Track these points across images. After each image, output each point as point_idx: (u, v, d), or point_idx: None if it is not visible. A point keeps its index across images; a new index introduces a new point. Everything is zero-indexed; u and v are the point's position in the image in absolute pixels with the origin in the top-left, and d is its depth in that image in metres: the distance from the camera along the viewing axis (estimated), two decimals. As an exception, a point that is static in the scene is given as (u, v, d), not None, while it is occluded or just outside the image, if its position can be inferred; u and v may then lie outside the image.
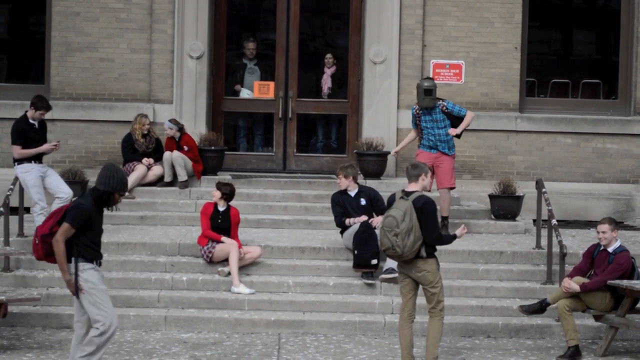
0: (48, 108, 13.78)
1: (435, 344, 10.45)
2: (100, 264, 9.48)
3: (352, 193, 13.62)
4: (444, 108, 14.39)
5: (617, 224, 11.79)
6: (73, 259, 9.32)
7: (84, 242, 9.31)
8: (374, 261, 12.95)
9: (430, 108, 14.33)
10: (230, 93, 17.47)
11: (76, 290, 9.30)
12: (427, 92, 14.29)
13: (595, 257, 11.68)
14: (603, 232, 11.53)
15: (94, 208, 9.35)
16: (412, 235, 10.16)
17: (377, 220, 13.12)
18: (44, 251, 9.44)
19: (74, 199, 12.85)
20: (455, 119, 14.45)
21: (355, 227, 13.17)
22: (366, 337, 12.18)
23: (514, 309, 12.43)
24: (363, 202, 13.53)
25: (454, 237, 10.59)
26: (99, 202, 9.41)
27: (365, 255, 12.89)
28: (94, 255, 9.40)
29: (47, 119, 14.40)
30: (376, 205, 13.54)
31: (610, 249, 11.58)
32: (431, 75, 16.86)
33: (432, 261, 10.40)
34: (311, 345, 11.75)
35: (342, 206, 13.48)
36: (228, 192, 13.45)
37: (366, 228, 13.04)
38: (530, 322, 12.33)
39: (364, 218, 13.29)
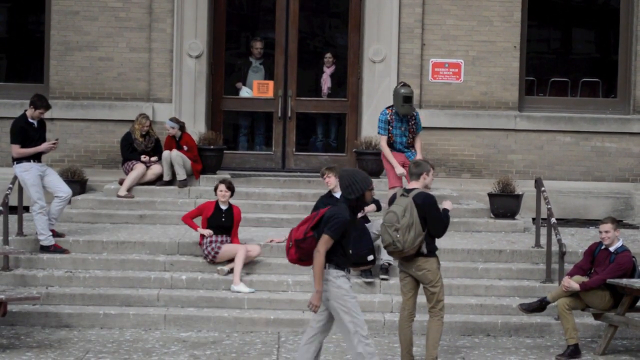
0: (47, 107, 13.78)
1: (434, 344, 10.45)
2: (349, 272, 9.43)
3: (338, 194, 13.49)
4: (413, 118, 14.00)
5: (619, 224, 11.78)
6: (327, 265, 9.25)
7: (338, 250, 9.25)
8: (370, 257, 12.94)
9: (406, 115, 13.88)
10: (229, 92, 17.47)
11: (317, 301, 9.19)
12: (406, 100, 13.71)
13: (596, 255, 11.68)
14: (606, 232, 11.53)
15: (350, 217, 9.31)
16: (413, 231, 10.17)
17: (368, 210, 13.13)
18: (298, 256, 9.33)
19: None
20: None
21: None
22: (366, 335, 12.16)
23: (514, 307, 12.43)
24: None
25: (446, 211, 10.54)
26: (354, 209, 9.39)
27: (361, 252, 12.87)
28: (345, 263, 9.34)
29: (46, 118, 14.39)
30: None
31: (612, 248, 11.57)
32: (430, 75, 16.89)
33: (433, 260, 10.40)
34: (311, 344, 11.74)
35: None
36: (233, 188, 13.47)
37: (363, 225, 13.04)
38: (530, 321, 12.33)
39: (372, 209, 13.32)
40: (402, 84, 14.04)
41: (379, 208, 13.43)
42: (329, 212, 9.27)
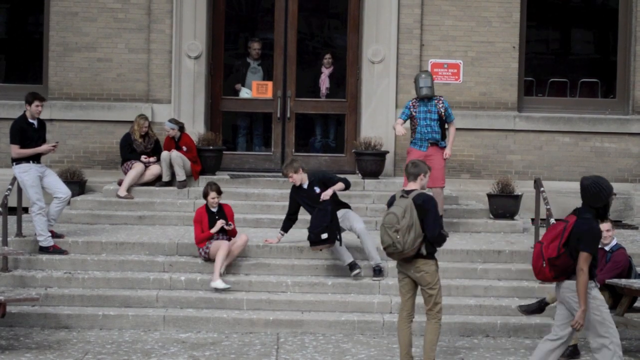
0: (42, 99, 13.77)
1: (432, 347, 10.44)
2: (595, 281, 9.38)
3: (305, 185, 13.53)
4: (440, 102, 14.31)
5: (618, 224, 11.81)
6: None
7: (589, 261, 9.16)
8: (324, 235, 12.92)
9: (428, 99, 14.23)
10: (228, 93, 17.47)
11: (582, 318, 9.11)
12: (425, 82, 14.22)
13: (592, 255, 11.69)
14: (607, 231, 11.56)
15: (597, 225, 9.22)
16: (413, 232, 10.16)
17: (336, 188, 13.24)
18: (553, 274, 9.26)
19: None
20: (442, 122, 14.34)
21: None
22: (365, 336, 12.17)
23: (513, 308, 12.43)
24: (317, 190, 13.44)
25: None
26: (600, 216, 9.29)
27: (315, 231, 12.89)
28: (594, 273, 9.29)
29: (45, 119, 14.40)
30: (330, 183, 13.46)
31: (607, 247, 11.61)
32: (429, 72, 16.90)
33: (432, 262, 10.39)
34: (310, 344, 11.75)
35: (296, 203, 13.50)
36: (219, 189, 13.35)
37: (324, 205, 13.11)
38: (529, 322, 12.33)
39: (330, 193, 13.29)
40: (422, 70, 14.84)
41: (347, 186, 13.45)
42: (580, 227, 9.10)
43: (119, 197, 15.39)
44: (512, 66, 16.97)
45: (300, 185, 13.44)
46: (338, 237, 12.98)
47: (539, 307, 11.71)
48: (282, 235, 13.59)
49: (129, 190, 15.53)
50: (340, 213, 13.30)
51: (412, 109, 14.29)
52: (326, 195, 13.22)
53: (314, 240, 12.97)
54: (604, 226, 11.62)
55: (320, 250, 13.16)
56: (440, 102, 14.32)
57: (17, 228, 13.84)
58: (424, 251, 10.29)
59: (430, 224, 10.22)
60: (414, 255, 10.29)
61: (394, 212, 10.25)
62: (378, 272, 13.12)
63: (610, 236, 11.60)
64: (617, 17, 17.42)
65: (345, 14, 17.46)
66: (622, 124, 17.08)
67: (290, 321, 12.34)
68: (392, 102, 16.76)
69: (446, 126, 14.39)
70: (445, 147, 14.31)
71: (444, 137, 14.32)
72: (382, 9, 16.77)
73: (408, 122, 14.41)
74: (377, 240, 11.94)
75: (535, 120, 17.02)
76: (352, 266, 13.11)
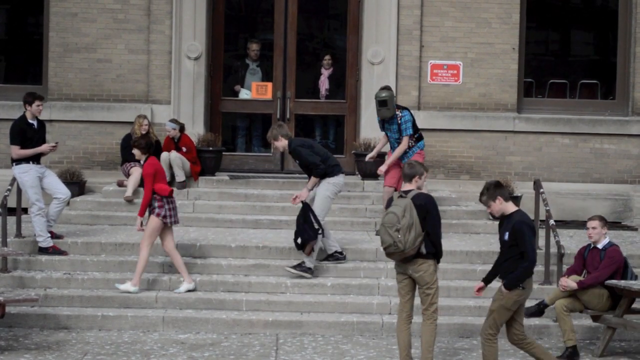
0: (41, 98, 13.79)
1: (429, 347, 10.43)
2: None
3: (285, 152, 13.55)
4: (399, 119, 14.25)
5: (607, 223, 11.82)
6: None
7: None
8: (298, 240, 12.99)
9: (388, 118, 14.26)
10: (228, 94, 17.48)
11: None
12: (382, 104, 14.16)
13: (586, 257, 11.73)
14: (593, 228, 11.62)
15: None
16: (413, 231, 10.18)
17: (300, 197, 13.18)
18: None
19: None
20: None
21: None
22: (364, 337, 12.17)
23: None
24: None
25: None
26: None
27: (295, 237, 13.03)
28: None
29: (45, 120, 14.40)
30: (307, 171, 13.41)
31: (599, 246, 11.63)
32: (429, 76, 16.89)
33: (431, 262, 10.40)
34: (309, 345, 11.75)
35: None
36: (143, 145, 12.93)
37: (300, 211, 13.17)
38: (528, 323, 12.32)
39: (304, 194, 13.26)
40: (382, 87, 14.47)
41: (318, 175, 13.26)
42: None
43: (128, 200, 15.34)
44: (511, 67, 16.97)
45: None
46: (320, 231, 13.00)
47: (538, 310, 11.71)
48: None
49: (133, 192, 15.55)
50: (312, 193, 13.28)
51: (381, 125, 14.44)
52: (300, 198, 13.20)
53: (297, 247, 13.05)
54: (590, 223, 11.69)
55: (312, 250, 13.15)
56: (399, 117, 14.21)
57: (17, 229, 13.83)
58: (423, 250, 10.30)
59: (433, 225, 10.25)
60: (415, 254, 10.30)
61: (393, 212, 10.26)
62: (304, 269, 13.13)
63: (596, 234, 11.62)
64: (616, 19, 17.42)
65: (344, 15, 17.46)
66: (621, 125, 17.08)
67: (290, 322, 12.34)
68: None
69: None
70: (417, 149, 14.30)
71: (419, 139, 14.33)
72: (381, 10, 16.77)
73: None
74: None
75: (535, 122, 17.02)
76: (334, 256, 13.25)
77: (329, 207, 13.31)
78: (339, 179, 13.34)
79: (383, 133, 14.58)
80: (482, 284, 10.30)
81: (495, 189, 10.01)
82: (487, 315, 10.18)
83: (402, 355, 10.51)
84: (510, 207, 10.02)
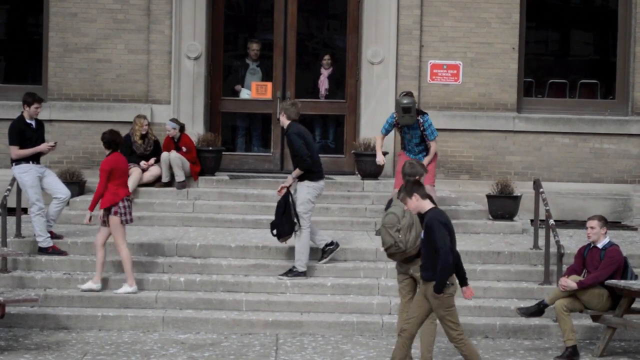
0: (40, 100, 13.78)
1: (429, 347, 10.43)
2: None
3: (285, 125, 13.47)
4: (421, 125, 14.27)
5: (607, 223, 11.82)
6: None
7: None
8: (274, 232, 13.05)
9: (407, 126, 14.26)
10: (228, 94, 17.47)
11: None
12: (406, 110, 14.09)
13: (586, 256, 11.72)
14: (592, 228, 11.62)
15: None
16: (414, 230, 10.20)
17: (287, 182, 13.14)
18: None
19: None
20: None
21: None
22: (364, 337, 12.17)
23: (512, 309, 12.43)
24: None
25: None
26: None
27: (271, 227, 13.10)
28: None
29: (44, 120, 14.40)
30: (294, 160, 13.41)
31: (599, 245, 11.62)
32: (429, 76, 16.89)
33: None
34: (309, 346, 11.75)
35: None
36: (106, 140, 12.88)
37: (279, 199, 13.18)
38: (528, 323, 12.33)
39: (289, 181, 13.23)
40: (404, 93, 14.40)
41: (304, 168, 13.17)
42: None
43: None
44: (511, 67, 16.97)
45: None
46: (296, 227, 13.01)
47: (538, 310, 11.70)
48: None
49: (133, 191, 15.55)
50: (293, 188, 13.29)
51: (396, 127, 14.40)
52: (285, 184, 13.19)
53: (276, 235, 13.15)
54: (589, 223, 11.68)
55: (285, 242, 13.23)
56: (422, 124, 14.23)
57: (16, 229, 13.83)
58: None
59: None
60: (415, 254, 10.30)
61: (393, 212, 10.28)
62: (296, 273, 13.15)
63: (594, 233, 11.61)
64: (616, 19, 17.42)
65: (344, 15, 17.45)
66: (621, 125, 17.08)
67: (290, 322, 12.34)
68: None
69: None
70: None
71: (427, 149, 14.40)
72: (381, 10, 16.77)
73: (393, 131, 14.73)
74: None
75: (535, 121, 17.02)
76: (326, 250, 13.32)
77: (310, 208, 13.23)
78: (320, 183, 13.31)
79: (380, 135, 14.58)
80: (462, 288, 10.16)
81: (413, 186, 9.90)
82: (441, 322, 9.95)
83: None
84: (427, 205, 9.86)
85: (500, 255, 13.78)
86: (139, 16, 16.73)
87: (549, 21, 18.03)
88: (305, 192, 13.10)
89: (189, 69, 16.73)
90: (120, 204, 12.60)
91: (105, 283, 12.86)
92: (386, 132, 14.53)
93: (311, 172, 13.14)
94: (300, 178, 13.16)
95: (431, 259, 9.71)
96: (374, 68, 16.85)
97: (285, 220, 12.98)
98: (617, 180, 17.02)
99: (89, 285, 12.72)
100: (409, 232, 10.20)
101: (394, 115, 14.41)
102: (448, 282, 9.78)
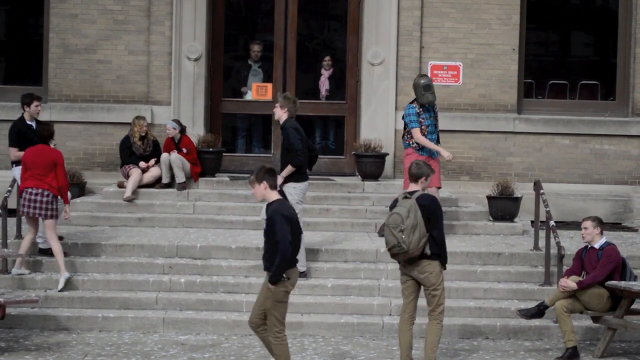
0: (39, 99, 13.78)
1: (433, 347, 10.45)
2: None
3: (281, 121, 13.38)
4: (436, 107, 14.36)
5: (602, 224, 11.83)
6: None
7: None
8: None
9: (431, 104, 14.20)
10: (228, 95, 17.48)
11: None
12: (426, 88, 14.06)
13: (583, 258, 11.73)
14: (585, 228, 11.66)
15: None
16: (417, 231, 10.18)
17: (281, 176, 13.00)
18: None
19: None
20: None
21: None
22: (364, 338, 12.17)
23: (512, 310, 12.43)
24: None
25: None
26: None
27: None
28: None
29: (44, 120, 14.38)
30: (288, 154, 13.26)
31: (596, 246, 11.65)
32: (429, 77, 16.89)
33: (436, 263, 10.40)
34: (309, 346, 11.75)
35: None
36: (45, 133, 12.98)
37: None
38: (529, 324, 12.33)
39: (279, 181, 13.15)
40: (419, 75, 14.47)
41: (297, 166, 13.08)
42: None
43: (128, 200, 15.32)
44: (511, 68, 16.97)
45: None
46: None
47: (539, 311, 11.70)
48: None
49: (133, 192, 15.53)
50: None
51: (420, 116, 14.21)
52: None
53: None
54: (583, 224, 11.70)
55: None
56: (436, 107, 14.37)
57: (17, 230, 13.83)
58: (428, 251, 10.31)
59: (439, 226, 10.26)
60: (418, 256, 10.30)
61: (398, 213, 10.27)
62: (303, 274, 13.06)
63: (588, 234, 11.64)
64: (616, 20, 17.42)
65: (344, 16, 17.45)
66: (621, 126, 17.08)
67: (290, 323, 12.27)
68: (391, 104, 16.77)
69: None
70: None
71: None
72: (381, 11, 16.77)
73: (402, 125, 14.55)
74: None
75: (535, 123, 17.02)
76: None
77: (300, 209, 13.16)
78: (305, 184, 13.28)
79: (417, 130, 14.08)
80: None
81: (265, 174, 9.88)
82: (267, 314, 9.90)
83: (402, 356, 10.52)
84: (273, 196, 9.84)
85: (501, 257, 13.78)
86: (140, 17, 16.73)
87: (549, 22, 18.04)
88: (293, 195, 13.06)
89: (190, 70, 16.73)
90: (23, 194, 12.81)
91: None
92: (419, 124, 14.11)
93: (298, 173, 13.09)
94: (285, 180, 13.10)
95: (272, 250, 9.70)
96: (374, 69, 16.85)
97: None
98: (618, 181, 17.02)
99: (17, 270, 12.97)
100: (413, 233, 10.20)
101: (413, 105, 14.19)
102: (285, 277, 9.75)
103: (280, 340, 9.91)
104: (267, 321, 9.96)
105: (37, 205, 12.75)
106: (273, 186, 9.89)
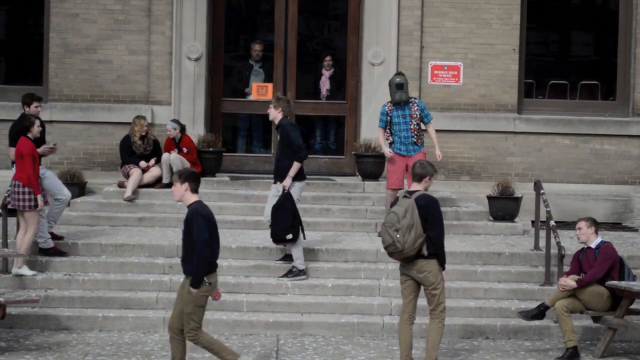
0: (39, 99, 13.78)
1: (434, 346, 10.45)
2: None
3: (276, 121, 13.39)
4: (415, 105, 14.33)
5: (597, 224, 11.84)
6: None
7: None
8: (289, 236, 12.90)
9: (403, 103, 14.26)
10: (228, 94, 17.48)
11: None
12: (399, 87, 14.19)
13: (581, 259, 11.74)
14: (579, 229, 11.72)
15: None
16: (413, 232, 10.17)
17: (286, 184, 13.02)
18: None
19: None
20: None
21: (273, 200, 13.13)
22: (365, 338, 12.18)
23: (513, 310, 12.43)
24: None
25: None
26: None
27: (280, 230, 12.87)
28: None
29: (45, 121, 14.38)
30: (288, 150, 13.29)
31: (592, 245, 11.67)
32: (429, 77, 16.90)
33: (434, 262, 10.39)
34: (310, 346, 11.75)
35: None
36: (26, 124, 13.01)
37: (283, 201, 13.00)
38: (529, 324, 12.32)
39: (287, 182, 13.14)
40: (396, 73, 14.61)
41: (300, 161, 13.14)
42: None
43: (128, 200, 15.33)
44: (512, 68, 16.97)
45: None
46: (302, 232, 12.99)
47: (539, 312, 11.70)
48: None
49: (132, 194, 15.53)
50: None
51: (388, 115, 14.32)
52: (285, 185, 13.11)
53: (279, 239, 12.98)
54: (577, 225, 11.73)
55: (284, 246, 13.19)
56: (415, 104, 14.32)
57: (17, 230, 13.81)
58: (425, 252, 10.30)
59: (434, 226, 10.24)
60: (415, 255, 10.30)
61: (395, 212, 10.27)
62: (297, 273, 13.11)
63: (582, 234, 11.66)
64: (617, 19, 17.42)
65: (345, 16, 17.46)
66: (622, 126, 17.08)
67: (290, 323, 12.34)
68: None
69: (424, 127, 14.42)
70: (422, 150, 14.31)
71: (420, 141, 14.33)
72: (382, 11, 16.77)
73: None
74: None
75: (535, 122, 17.03)
76: (292, 271, 13.12)
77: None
78: (303, 182, 13.32)
79: (380, 129, 14.38)
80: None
81: (189, 176, 9.86)
82: (184, 316, 9.86)
83: (402, 356, 10.52)
84: (191, 199, 9.82)
85: (501, 257, 13.78)
86: (140, 17, 16.74)
87: (550, 22, 18.04)
88: (291, 193, 13.07)
89: (190, 70, 16.74)
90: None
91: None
92: (384, 123, 14.33)
93: (298, 172, 13.13)
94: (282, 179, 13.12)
95: (191, 252, 9.66)
96: (374, 69, 16.86)
97: (279, 217, 12.90)
98: (618, 181, 17.03)
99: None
100: (408, 232, 10.19)
101: (385, 104, 14.43)
102: (206, 281, 9.70)
103: (199, 337, 9.86)
104: (184, 326, 9.90)
105: (14, 196, 12.85)
106: (194, 190, 9.85)
